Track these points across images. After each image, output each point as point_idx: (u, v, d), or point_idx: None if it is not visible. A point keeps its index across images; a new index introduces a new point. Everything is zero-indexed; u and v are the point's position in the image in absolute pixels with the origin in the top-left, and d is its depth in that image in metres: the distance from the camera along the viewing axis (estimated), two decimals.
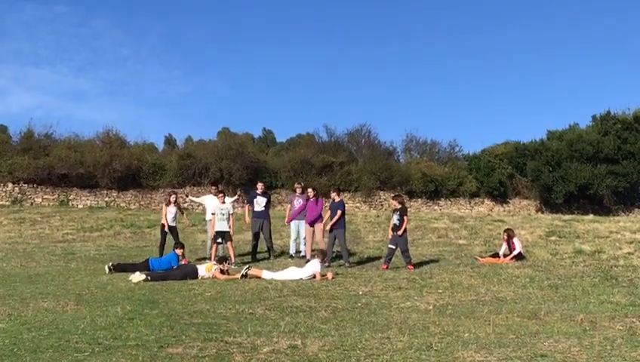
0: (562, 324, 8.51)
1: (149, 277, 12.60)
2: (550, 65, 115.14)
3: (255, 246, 17.30)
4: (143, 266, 13.84)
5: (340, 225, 16.12)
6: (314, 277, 13.06)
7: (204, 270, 13.35)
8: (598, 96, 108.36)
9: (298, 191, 18.12)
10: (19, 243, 21.43)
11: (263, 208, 17.44)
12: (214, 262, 13.75)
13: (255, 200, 17.49)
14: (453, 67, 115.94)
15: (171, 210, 16.97)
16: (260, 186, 17.95)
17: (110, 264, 14.12)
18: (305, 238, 17.38)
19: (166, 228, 16.84)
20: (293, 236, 17.84)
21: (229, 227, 16.35)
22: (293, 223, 17.83)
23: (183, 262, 14.53)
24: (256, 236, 17.33)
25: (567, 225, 25.41)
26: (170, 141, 46.95)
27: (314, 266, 13.30)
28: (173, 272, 13.40)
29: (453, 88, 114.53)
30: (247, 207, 17.82)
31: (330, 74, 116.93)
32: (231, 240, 16.42)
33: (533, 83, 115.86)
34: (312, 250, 15.24)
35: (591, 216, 32.04)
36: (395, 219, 15.54)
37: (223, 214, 16.31)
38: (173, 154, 39.67)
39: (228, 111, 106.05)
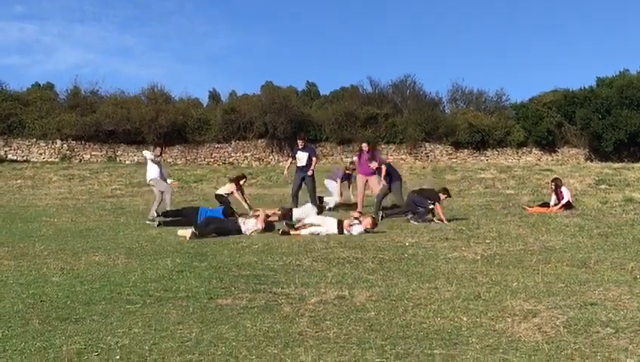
0: (612, 273, 8.40)
1: (197, 232, 12.39)
2: (599, 11, 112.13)
3: (296, 195, 17.17)
4: (193, 213, 13.91)
5: (396, 177, 16.40)
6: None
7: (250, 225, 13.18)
8: None
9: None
10: (69, 198, 21.83)
11: (305, 164, 17.18)
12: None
13: (297, 155, 17.33)
14: (500, 14, 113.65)
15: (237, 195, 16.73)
16: (299, 142, 17.58)
17: (160, 219, 14.26)
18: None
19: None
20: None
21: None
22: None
23: None
24: (298, 186, 17.23)
25: (617, 173, 25.04)
26: (214, 96, 47.06)
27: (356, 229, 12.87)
28: (229, 222, 13.29)
29: (499, 36, 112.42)
30: (289, 160, 17.78)
31: (373, 24, 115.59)
32: None
33: (581, 29, 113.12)
34: (360, 213, 15.21)
35: None
36: None
37: None
38: (218, 109, 39.77)
39: (271, 65, 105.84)
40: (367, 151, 17.08)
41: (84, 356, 5.06)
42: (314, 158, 17.28)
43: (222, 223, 13.22)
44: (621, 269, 8.59)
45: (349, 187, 18.47)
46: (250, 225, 13.04)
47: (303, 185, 17.13)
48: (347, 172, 18.00)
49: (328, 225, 12.86)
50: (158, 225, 13.93)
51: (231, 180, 17.18)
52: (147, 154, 16.15)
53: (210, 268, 8.75)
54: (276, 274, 8.40)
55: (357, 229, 12.72)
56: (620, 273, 8.38)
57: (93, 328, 5.82)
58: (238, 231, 12.85)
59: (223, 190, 16.91)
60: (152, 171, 15.73)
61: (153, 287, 7.48)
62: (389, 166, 16.80)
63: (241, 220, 13.29)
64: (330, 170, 19.23)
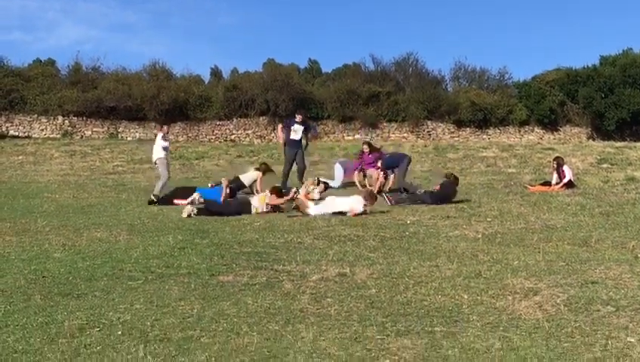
0: (613, 251, 8.41)
1: (193, 213, 12.07)
2: None
3: (287, 174, 17.03)
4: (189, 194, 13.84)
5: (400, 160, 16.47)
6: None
7: (257, 201, 13.02)
8: None
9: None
10: (70, 175, 21.83)
11: (299, 138, 17.06)
12: (267, 193, 13.35)
13: (292, 127, 17.01)
14: None
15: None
16: (298, 117, 17.31)
17: (154, 198, 14.14)
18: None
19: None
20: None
21: None
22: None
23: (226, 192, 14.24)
24: (290, 164, 17.05)
25: (620, 152, 24.98)
26: (216, 73, 46.83)
27: (356, 202, 12.42)
28: (228, 207, 12.96)
29: (502, 14, 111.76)
30: (280, 127, 17.70)
31: (376, 1, 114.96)
32: None
33: (585, 7, 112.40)
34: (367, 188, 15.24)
35: None
36: None
37: None
38: (220, 86, 39.58)
39: (273, 43, 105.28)
40: (369, 154, 17.10)
41: (85, 331, 5.09)
42: (310, 135, 17.19)
43: (234, 204, 13.10)
44: (622, 248, 8.60)
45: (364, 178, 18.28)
46: (255, 202, 12.82)
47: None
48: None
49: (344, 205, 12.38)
50: (152, 203, 13.86)
51: (260, 170, 16.66)
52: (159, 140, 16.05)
53: (211, 245, 8.77)
54: (277, 251, 8.42)
55: (357, 200, 12.40)
56: (620, 252, 8.39)
57: (94, 304, 5.85)
58: (239, 213, 12.49)
59: (247, 178, 16.41)
60: (159, 151, 15.71)
61: (155, 264, 7.50)
62: (392, 159, 16.84)
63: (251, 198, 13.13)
64: (333, 147, 19.12)
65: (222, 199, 13.85)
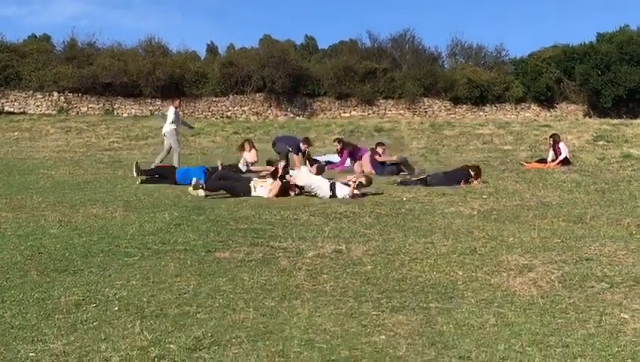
0: (608, 228, 8.44)
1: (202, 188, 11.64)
2: None
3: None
4: (169, 173, 13.70)
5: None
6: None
7: (265, 191, 11.94)
8: None
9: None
10: (66, 151, 21.78)
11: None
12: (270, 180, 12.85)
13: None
14: None
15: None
16: (304, 146, 16.68)
17: (140, 176, 13.89)
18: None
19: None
20: None
21: None
22: None
23: None
24: (285, 155, 16.75)
25: (616, 130, 25.02)
26: (212, 49, 46.63)
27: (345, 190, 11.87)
28: (238, 184, 12.26)
29: None
30: (296, 157, 16.35)
31: None
32: None
33: None
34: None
35: None
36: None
37: None
38: (216, 63, 39.45)
39: (270, 18, 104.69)
40: (342, 150, 16.83)
41: (82, 307, 5.10)
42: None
43: (234, 183, 12.43)
44: (617, 225, 8.63)
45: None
46: (260, 191, 12.36)
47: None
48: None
49: (322, 187, 11.91)
50: (140, 182, 13.53)
51: (251, 145, 16.52)
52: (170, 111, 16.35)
53: (207, 222, 8.78)
54: (274, 228, 8.43)
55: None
56: (615, 229, 8.42)
57: (91, 280, 5.86)
58: (246, 194, 11.88)
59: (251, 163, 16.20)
60: (170, 124, 16.02)
61: (151, 240, 7.50)
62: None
63: (252, 183, 12.65)
64: (329, 124, 19.06)
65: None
